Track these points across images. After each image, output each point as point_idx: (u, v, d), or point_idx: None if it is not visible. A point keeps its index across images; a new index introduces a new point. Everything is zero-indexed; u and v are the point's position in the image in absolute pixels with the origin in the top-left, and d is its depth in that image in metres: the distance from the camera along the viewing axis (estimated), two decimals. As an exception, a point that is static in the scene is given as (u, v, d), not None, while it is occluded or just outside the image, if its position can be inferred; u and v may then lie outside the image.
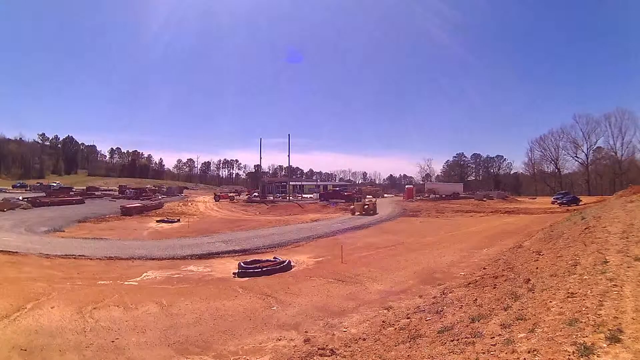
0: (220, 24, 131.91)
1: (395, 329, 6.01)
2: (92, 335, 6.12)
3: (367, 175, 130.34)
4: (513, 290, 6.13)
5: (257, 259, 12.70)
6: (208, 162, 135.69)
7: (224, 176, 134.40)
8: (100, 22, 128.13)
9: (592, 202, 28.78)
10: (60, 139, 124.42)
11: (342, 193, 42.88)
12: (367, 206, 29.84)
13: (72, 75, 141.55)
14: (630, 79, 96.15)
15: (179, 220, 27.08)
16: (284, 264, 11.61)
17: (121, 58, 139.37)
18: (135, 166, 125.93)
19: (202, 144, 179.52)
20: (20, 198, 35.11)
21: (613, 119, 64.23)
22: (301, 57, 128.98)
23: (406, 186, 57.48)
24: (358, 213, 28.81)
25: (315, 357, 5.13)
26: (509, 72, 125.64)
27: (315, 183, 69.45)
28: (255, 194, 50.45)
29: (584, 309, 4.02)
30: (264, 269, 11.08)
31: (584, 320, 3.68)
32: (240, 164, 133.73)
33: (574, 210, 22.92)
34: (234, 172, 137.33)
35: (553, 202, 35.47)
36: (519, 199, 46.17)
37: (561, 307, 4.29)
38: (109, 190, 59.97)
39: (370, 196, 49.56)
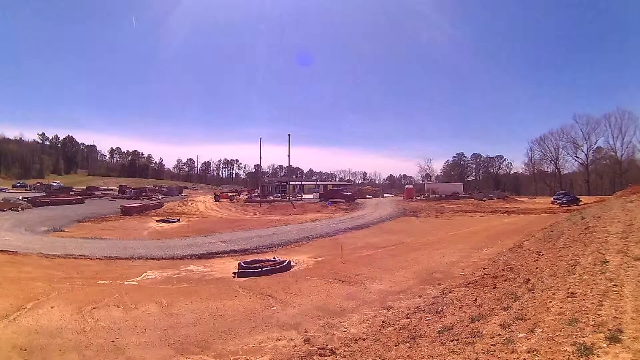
0: (219, 22, 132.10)
1: (395, 328, 6.01)
2: (92, 335, 6.12)
3: (367, 175, 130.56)
4: (513, 290, 6.13)
5: (257, 258, 12.71)
6: (208, 162, 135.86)
7: (224, 176, 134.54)
8: (101, 22, 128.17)
9: (592, 202, 28.77)
10: (60, 139, 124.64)
11: (342, 193, 42.79)
12: None
13: (73, 74, 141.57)
14: (630, 79, 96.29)
15: (178, 220, 27.09)
16: (284, 263, 11.61)
17: (121, 58, 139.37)
18: (135, 166, 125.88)
19: (202, 142, 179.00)
20: (20, 198, 35.11)
21: (613, 119, 64.24)
22: (312, 60, 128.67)
23: (406, 186, 57.39)
24: None
25: (315, 357, 5.13)
26: (509, 72, 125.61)
27: (315, 183, 69.26)
28: (255, 193, 50.41)
29: (583, 309, 4.02)
30: (263, 269, 11.09)
31: (583, 320, 3.68)
32: (240, 163, 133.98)
33: (574, 210, 22.92)
34: (234, 172, 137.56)
35: (553, 202, 35.45)
36: (518, 199, 46.11)
37: (561, 307, 4.29)
38: (109, 190, 59.90)
39: (370, 196, 49.68)
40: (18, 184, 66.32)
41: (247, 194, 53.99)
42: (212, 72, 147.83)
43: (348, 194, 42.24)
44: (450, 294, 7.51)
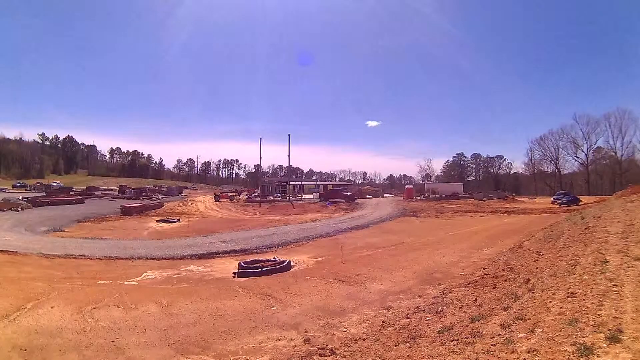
0: (219, 22, 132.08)
1: (395, 329, 6.01)
2: (92, 335, 6.12)
3: (367, 175, 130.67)
4: (513, 290, 6.13)
5: (257, 258, 12.70)
6: (208, 162, 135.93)
7: (224, 176, 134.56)
8: (101, 22, 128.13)
9: (592, 202, 28.79)
10: (60, 139, 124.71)
11: (342, 193, 42.80)
12: None
13: (73, 74, 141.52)
14: (630, 79, 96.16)
15: (179, 220, 27.09)
16: (284, 263, 11.60)
17: (122, 58, 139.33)
18: (135, 166, 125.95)
19: (202, 142, 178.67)
20: (20, 198, 35.10)
21: (613, 119, 64.37)
22: (312, 59, 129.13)
23: (406, 186, 57.45)
24: None
25: (315, 357, 5.13)
26: (509, 72, 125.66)
27: (315, 183, 69.29)
28: (255, 193, 50.43)
29: (583, 309, 4.02)
30: (264, 269, 11.08)
31: (584, 320, 3.68)
32: (240, 163, 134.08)
33: (574, 210, 22.92)
34: (234, 172, 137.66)
35: (553, 202, 35.47)
36: (519, 199, 46.11)
37: (561, 307, 4.29)
38: (109, 190, 59.96)
39: (370, 196, 49.68)
40: (18, 184, 66.29)
41: (247, 194, 54.01)
42: (212, 72, 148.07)
43: (348, 194, 42.24)
44: (450, 294, 7.51)
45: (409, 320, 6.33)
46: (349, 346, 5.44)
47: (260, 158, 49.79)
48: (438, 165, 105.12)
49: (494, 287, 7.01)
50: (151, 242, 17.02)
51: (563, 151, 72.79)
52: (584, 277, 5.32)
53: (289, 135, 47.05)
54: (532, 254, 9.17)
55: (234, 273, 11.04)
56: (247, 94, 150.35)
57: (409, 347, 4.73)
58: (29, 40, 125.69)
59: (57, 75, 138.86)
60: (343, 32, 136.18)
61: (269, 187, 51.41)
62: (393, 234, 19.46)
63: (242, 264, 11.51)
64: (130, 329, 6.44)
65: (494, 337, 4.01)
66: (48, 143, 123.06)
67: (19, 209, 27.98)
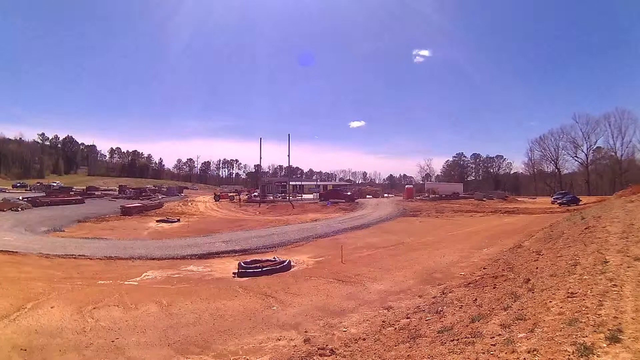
0: (219, 22, 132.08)
1: (395, 328, 6.00)
2: (92, 335, 6.12)
3: (367, 175, 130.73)
4: (513, 290, 6.13)
5: (257, 258, 12.70)
6: (208, 162, 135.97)
7: (224, 176, 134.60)
8: (101, 22, 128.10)
9: (592, 202, 28.78)
10: (60, 139, 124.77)
11: (342, 193, 42.79)
12: None
13: (73, 74, 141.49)
14: (630, 79, 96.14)
15: (179, 220, 27.09)
16: (284, 263, 11.60)
17: (122, 58, 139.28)
18: (135, 166, 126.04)
19: (202, 142, 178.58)
20: (20, 198, 35.08)
21: (613, 119, 64.38)
22: (313, 60, 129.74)
23: (406, 186, 57.42)
24: None
25: (315, 357, 5.13)
26: (509, 72, 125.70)
27: (315, 183, 69.29)
28: (255, 193, 50.39)
29: (583, 309, 4.02)
30: (264, 269, 11.08)
31: (583, 320, 3.68)
32: (240, 163, 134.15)
33: (574, 210, 22.92)
34: (233, 172, 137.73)
35: (553, 202, 35.46)
36: (518, 199, 46.10)
37: (561, 307, 4.29)
38: (109, 190, 59.99)
39: (370, 196, 49.66)
40: (18, 184, 66.28)
41: (247, 194, 53.97)
42: (212, 72, 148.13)
43: (348, 194, 42.23)
44: (450, 294, 7.51)
45: (409, 320, 6.33)
46: (349, 346, 5.43)
47: (260, 158, 49.84)
48: (438, 165, 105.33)
49: (494, 287, 7.01)
50: (151, 242, 17.03)
51: (563, 151, 72.90)
52: (584, 277, 5.32)
53: (289, 135, 46.99)
54: (532, 254, 9.17)
55: (234, 273, 11.04)
56: (248, 94, 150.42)
57: (409, 347, 4.72)
58: (29, 40, 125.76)
59: (57, 75, 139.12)
60: (343, 32, 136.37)
61: (269, 187, 51.35)
62: (393, 234, 19.45)
63: (242, 264, 11.51)
64: (130, 329, 6.44)
65: (494, 337, 4.01)
66: (48, 143, 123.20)
67: (19, 209, 27.96)
